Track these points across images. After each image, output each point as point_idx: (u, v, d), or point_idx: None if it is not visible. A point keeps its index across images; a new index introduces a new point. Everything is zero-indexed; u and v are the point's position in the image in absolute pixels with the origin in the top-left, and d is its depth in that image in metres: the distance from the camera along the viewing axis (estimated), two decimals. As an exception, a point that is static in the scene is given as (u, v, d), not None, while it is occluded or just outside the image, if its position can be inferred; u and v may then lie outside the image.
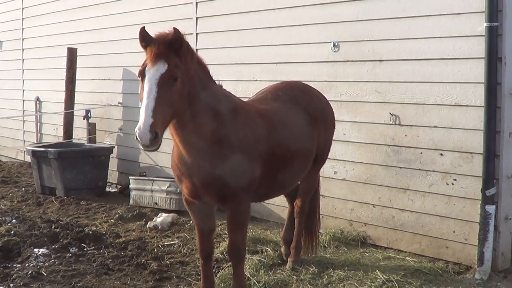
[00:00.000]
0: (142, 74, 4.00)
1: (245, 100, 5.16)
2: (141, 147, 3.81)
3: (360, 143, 6.64)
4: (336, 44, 6.79)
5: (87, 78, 10.79)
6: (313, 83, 6.13)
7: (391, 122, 6.33)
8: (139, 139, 3.78)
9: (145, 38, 4.15)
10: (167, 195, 8.23)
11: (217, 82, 4.62)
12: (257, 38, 7.67)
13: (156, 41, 4.06)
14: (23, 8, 12.76)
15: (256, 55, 7.72)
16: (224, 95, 4.61)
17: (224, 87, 4.73)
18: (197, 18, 8.43)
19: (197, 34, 8.35)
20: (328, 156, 5.86)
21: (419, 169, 6.12)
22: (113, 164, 10.03)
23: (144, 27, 4.14)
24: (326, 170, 6.70)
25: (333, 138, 5.85)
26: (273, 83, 5.81)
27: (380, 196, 6.50)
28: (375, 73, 6.46)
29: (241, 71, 7.89)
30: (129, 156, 9.95)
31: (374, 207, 6.56)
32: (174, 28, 4.06)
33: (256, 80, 7.67)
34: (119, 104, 10.13)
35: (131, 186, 8.69)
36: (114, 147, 9.88)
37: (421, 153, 6.11)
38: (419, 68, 6.06)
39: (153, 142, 3.79)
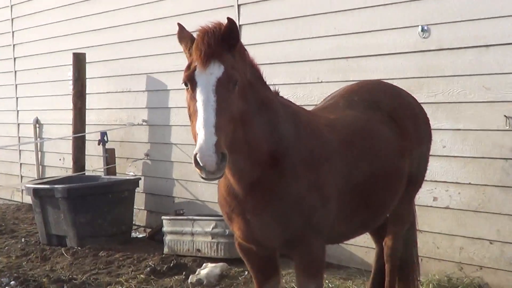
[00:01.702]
0: (191, 80, 4.02)
1: (309, 109, 5.20)
2: (202, 176, 3.79)
3: (467, 158, 6.61)
4: (426, 28, 6.80)
5: (101, 91, 11.06)
6: (397, 82, 6.14)
7: (507, 128, 6.27)
8: (201, 164, 3.76)
9: (185, 35, 4.23)
10: (212, 238, 8.30)
11: (272, 88, 4.66)
12: (320, 27, 7.73)
13: (205, 36, 4.12)
14: (12, 6, 13.10)
15: (320, 49, 7.78)
16: (283, 105, 4.64)
17: (280, 93, 4.77)
18: (239, 6, 8.55)
19: (240, 25, 8.46)
20: (425, 178, 5.83)
21: (552, 190, 6.05)
22: (139, 201, 10.21)
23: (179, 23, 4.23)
24: (422, 196, 6.69)
25: (430, 153, 5.82)
26: (345, 84, 5.84)
27: (499, 228, 6.43)
28: (481, 63, 6.43)
29: (301, 72, 7.96)
30: (160, 189, 10.11)
31: (491, 243, 6.49)
32: (229, 19, 4.11)
33: (321, 82, 7.72)
34: (144, 123, 10.35)
35: (164, 229, 8.80)
36: (140, 179, 10.06)
37: (553, 167, 6.05)
38: (542, 54, 6.02)
39: (221, 167, 3.78)
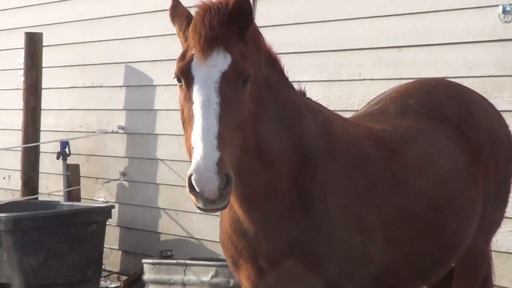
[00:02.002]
0: (186, 74, 4.01)
1: (347, 116, 5.22)
2: (199, 206, 3.77)
3: None
4: (508, 9, 6.83)
5: (62, 86, 11.15)
6: (468, 81, 6.17)
7: None
8: (198, 190, 3.73)
9: (180, 12, 4.23)
10: (211, 291, 8.36)
11: (296, 87, 4.69)
12: (363, 4, 7.80)
13: (206, 15, 4.10)
14: None
15: (361, 35, 7.84)
16: (311, 110, 4.66)
17: (308, 94, 4.79)
18: (252, -26, 8.59)
19: (253, 1, 8.49)
20: (506, 214, 5.85)
21: None
22: (112, 237, 10.25)
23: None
24: (502, 239, 6.71)
25: (512, 181, 5.87)
26: (396, 83, 5.86)
27: None
28: None
29: (336, 64, 8.00)
30: (140, 222, 10.17)
31: None
32: None
33: (364, 79, 7.78)
34: (121, 130, 10.40)
35: (145, 276, 8.84)
36: (113, 207, 10.05)
37: None
38: None
39: (224, 194, 3.75)
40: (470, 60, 7.11)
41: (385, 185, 4.76)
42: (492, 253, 5.96)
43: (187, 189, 3.73)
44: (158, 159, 9.96)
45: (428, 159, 5.10)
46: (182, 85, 4.01)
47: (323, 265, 4.44)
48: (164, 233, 9.83)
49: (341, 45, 8.00)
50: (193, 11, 4.09)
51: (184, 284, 8.54)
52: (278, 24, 8.26)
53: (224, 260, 5.16)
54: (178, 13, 4.23)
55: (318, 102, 4.87)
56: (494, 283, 6.07)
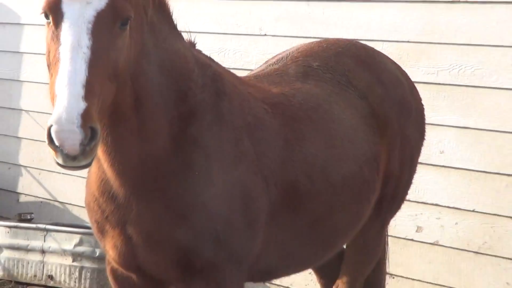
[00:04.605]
0: (55, 10, 3.99)
1: (242, 75, 5.33)
2: (58, 162, 3.78)
3: (475, 172, 6.84)
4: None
5: None
6: (383, 45, 6.29)
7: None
8: (58, 143, 3.73)
9: None
10: (74, 261, 8.40)
11: (185, 37, 4.75)
12: None
13: None
14: None
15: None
16: (200, 64, 4.74)
17: (199, 46, 4.89)
18: None
19: None
20: (407, 196, 6.02)
21: None
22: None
23: None
24: (401, 223, 6.89)
25: (420, 160, 6.03)
26: (302, 41, 5.99)
27: (509, 280, 6.65)
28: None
29: (234, 15, 8.08)
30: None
31: (498, 303, 6.74)
32: None
33: (265, 35, 7.88)
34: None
35: (0, 241, 8.84)
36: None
37: None
38: None
39: (87, 150, 3.77)
40: (387, 21, 7.24)
41: (277, 156, 4.85)
42: (389, 238, 6.14)
43: (46, 141, 3.71)
44: (22, 109, 9.99)
45: (327, 131, 5.21)
46: (50, 22, 3.99)
47: (199, 243, 4.54)
48: (24, 194, 9.87)
49: (241, -8, 8.13)
50: None
51: (43, 252, 8.59)
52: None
53: (89, 227, 5.20)
54: None
55: (209, 56, 4.91)
56: (387, 271, 6.29)
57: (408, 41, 7.13)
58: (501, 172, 6.74)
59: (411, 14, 7.16)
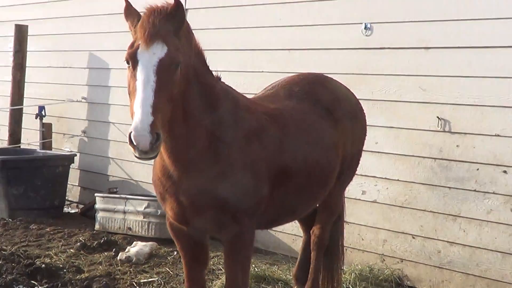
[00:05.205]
0: (133, 58, 3.99)
1: (250, 97, 5.21)
2: (136, 155, 3.82)
3: (397, 155, 6.72)
4: (369, 26, 6.87)
5: (42, 65, 10.88)
6: (337, 77, 6.16)
7: (439, 129, 6.40)
8: (135, 143, 3.78)
9: (132, 12, 4.19)
10: (144, 218, 8.32)
11: (214, 74, 4.66)
12: (266, 17, 7.76)
13: (151, 15, 4.08)
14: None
15: (263, 39, 7.80)
16: (224, 90, 4.67)
17: (222, 79, 4.77)
18: (187, -11, 8.51)
19: (187, 9, 8.41)
20: (356, 172, 5.92)
21: (475, 190, 6.18)
22: (74, 177, 10.11)
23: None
24: (352, 189, 6.77)
25: (364, 148, 5.90)
26: (286, 75, 5.85)
27: (422, 224, 6.56)
28: (419, 64, 6.53)
29: (244, 60, 7.97)
30: (95, 167, 10.03)
31: (413, 238, 6.62)
32: (176, 0, 4.12)
33: (263, 72, 7.75)
34: (83, 100, 10.22)
35: (97, 206, 8.77)
36: (75, 155, 9.96)
37: (478, 169, 6.18)
38: (477, 59, 6.12)
39: (154, 147, 3.82)
40: (339, 61, 7.13)
41: (273, 149, 4.78)
42: (345, 199, 6.07)
43: (127, 142, 3.78)
44: (110, 122, 9.83)
45: (305, 131, 5.13)
46: (129, 66, 4.01)
47: (226, 201, 4.47)
48: (112, 175, 9.77)
49: (247, 45, 7.97)
50: (142, 13, 4.07)
51: (124, 212, 8.51)
52: (204, 28, 8.14)
53: (154, 196, 5.13)
54: (130, 12, 4.21)
55: (229, 85, 4.84)
56: (344, 220, 6.18)
57: (352, 73, 7.01)
58: (414, 155, 6.63)
59: (352, 56, 7.07)
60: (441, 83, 6.39)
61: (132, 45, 4.05)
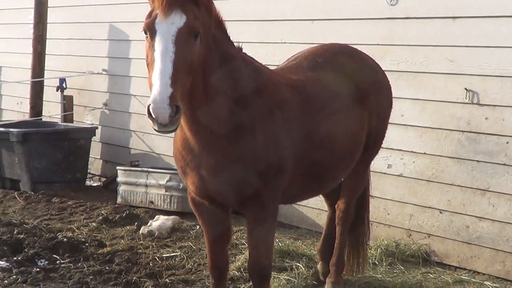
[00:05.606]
0: (151, 28, 3.93)
1: (272, 68, 5.13)
2: (155, 128, 3.76)
3: (424, 128, 6.63)
4: (394, -6, 6.78)
5: (62, 37, 10.85)
6: (362, 47, 6.09)
7: (467, 101, 6.29)
8: (154, 116, 3.72)
9: None
10: (166, 191, 8.31)
11: (236, 44, 4.58)
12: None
13: None
14: None
15: (285, 9, 7.70)
16: (245, 61, 4.59)
17: (244, 50, 4.69)
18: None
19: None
20: (382, 145, 5.85)
21: (504, 164, 6.10)
22: (95, 150, 10.12)
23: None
24: (377, 163, 6.67)
25: (389, 121, 5.83)
26: (309, 46, 5.77)
27: (450, 198, 6.48)
28: (446, 34, 6.41)
29: (265, 31, 7.88)
30: (116, 139, 10.02)
31: (441, 213, 6.55)
32: None
33: (285, 43, 7.68)
34: (104, 72, 10.19)
35: (119, 179, 8.78)
36: (97, 127, 9.96)
37: (508, 142, 6.08)
38: (507, 28, 6.00)
39: (174, 120, 3.75)
40: (363, 32, 7.03)
41: (296, 120, 4.72)
42: (370, 173, 6.02)
43: (146, 115, 3.73)
44: (131, 94, 9.81)
45: (330, 104, 5.06)
46: (147, 37, 3.95)
47: (247, 176, 4.41)
48: (133, 148, 9.75)
49: (268, 16, 7.88)
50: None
51: (146, 186, 8.53)
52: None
53: (176, 169, 5.07)
54: None
55: (251, 56, 4.76)
56: (370, 194, 6.15)
57: (377, 44, 6.91)
58: (441, 127, 6.54)
59: (376, 27, 6.97)
60: (469, 54, 6.28)
61: (150, 15, 3.99)
